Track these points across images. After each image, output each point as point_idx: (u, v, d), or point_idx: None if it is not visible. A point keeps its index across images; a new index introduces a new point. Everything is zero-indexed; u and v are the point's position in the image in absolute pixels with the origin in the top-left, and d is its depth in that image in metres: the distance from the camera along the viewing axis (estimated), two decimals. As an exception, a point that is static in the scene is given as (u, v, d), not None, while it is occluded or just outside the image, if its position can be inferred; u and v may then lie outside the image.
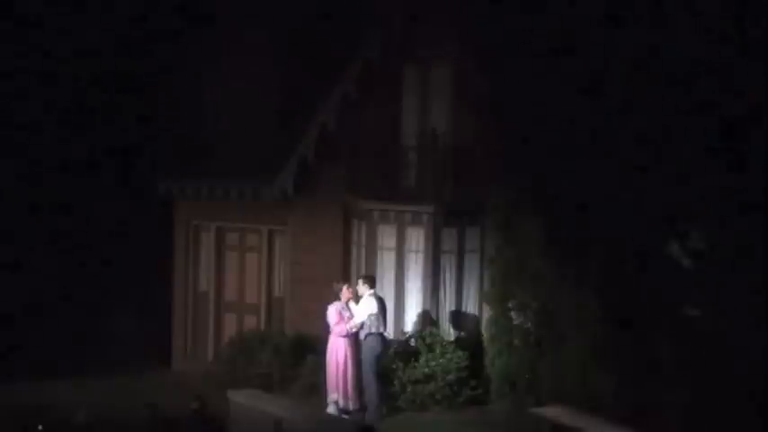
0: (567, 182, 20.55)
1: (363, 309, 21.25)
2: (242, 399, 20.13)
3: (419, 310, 22.70)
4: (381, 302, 21.50)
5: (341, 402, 21.20)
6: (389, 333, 22.48)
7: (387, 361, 21.69)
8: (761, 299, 19.25)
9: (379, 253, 22.90)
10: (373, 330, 21.19)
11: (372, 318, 21.19)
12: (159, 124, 25.81)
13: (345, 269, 23.42)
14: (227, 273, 24.93)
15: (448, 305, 22.87)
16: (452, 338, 22.48)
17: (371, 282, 21.62)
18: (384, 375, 21.48)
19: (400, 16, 22.81)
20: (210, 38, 24.65)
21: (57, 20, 25.55)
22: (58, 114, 25.72)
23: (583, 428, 18.69)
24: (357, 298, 21.58)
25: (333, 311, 21.23)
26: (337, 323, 21.16)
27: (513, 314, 21.67)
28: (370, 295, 21.35)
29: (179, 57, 25.81)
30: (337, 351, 21.18)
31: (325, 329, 21.50)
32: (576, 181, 20.44)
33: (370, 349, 21.14)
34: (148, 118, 26.33)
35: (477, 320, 22.95)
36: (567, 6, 21.06)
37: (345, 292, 21.43)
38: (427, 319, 22.61)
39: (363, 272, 22.54)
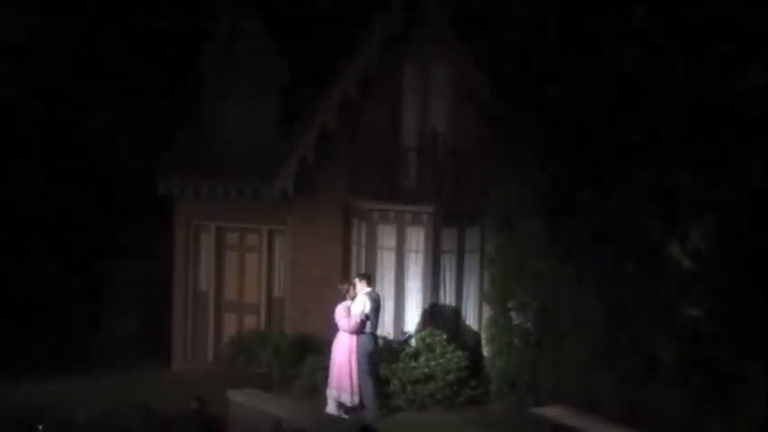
0: (567, 181, 20.55)
1: (358, 305, 21.29)
2: (242, 399, 20.15)
3: (419, 310, 22.71)
4: (376, 302, 21.51)
5: (345, 398, 21.23)
6: (389, 333, 22.52)
7: (388, 360, 21.74)
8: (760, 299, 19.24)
9: (379, 253, 22.91)
10: (365, 330, 21.26)
11: (367, 316, 21.23)
12: (160, 124, 25.81)
13: (345, 269, 23.42)
14: (227, 273, 24.93)
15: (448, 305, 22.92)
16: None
17: (367, 279, 21.67)
18: (379, 374, 21.50)
19: (400, 16, 22.81)
20: (211, 38, 24.65)
21: (59, 21, 25.56)
22: (59, 113, 25.73)
23: (583, 428, 18.71)
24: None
25: (341, 308, 21.31)
26: (345, 318, 21.24)
27: (513, 314, 21.68)
28: (365, 294, 21.38)
29: (179, 57, 25.87)
30: (343, 347, 21.23)
31: (331, 329, 21.55)
32: (576, 180, 20.43)
33: (361, 348, 21.19)
34: (149, 118, 26.34)
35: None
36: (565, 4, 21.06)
37: (352, 291, 21.50)
38: (427, 319, 22.62)
39: (364, 272, 22.55)
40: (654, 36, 19.81)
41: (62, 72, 25.72)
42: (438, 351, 21.93)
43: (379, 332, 21.89)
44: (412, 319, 22.79)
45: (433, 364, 21.80)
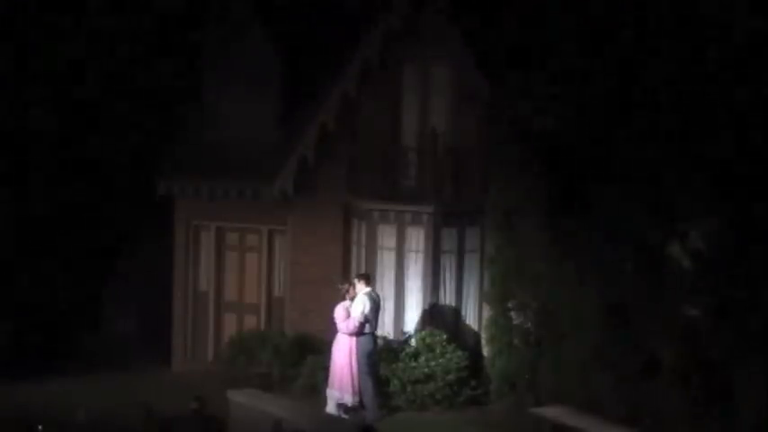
0: (567, 182, 20.55)
1: (357, 306, 21.31)
2: (242, 399, 20.16)
3: (419, 310, 22.71)
4: (376, 302, 21.52)
5: (347, 398, 21.23)
6: (389, 333, 22.52)
7: (388, 360, 21.75)
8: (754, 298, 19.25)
9: (379, 253, 22.91)
10: (365, 330, 21.28)
11: (366, 318, 21.24)
12: (160, 124, 25.80)
13: (345, 269, 23.42)
14: (227, 273, 24.92)
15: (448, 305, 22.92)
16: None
17: (367, 279, 21.69)
18: (379, 374, 21.50)
19: (400, 16, 22.81)
20: (211, 38, 24.65)
21: (60, 23, 25.57)
22: (60, 114, 25.73)
23: (583, 428, 18.71)
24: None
25: (340, 309, 21.31)
26: (344, 320, 21.24)
27: (513, 314, 21.69)
28: (365, 293, 21.40)
29: (180, 58, 25.87)
30: (343, 347, 21.23)
31: (331, 329, 21.55)
32: (576, 181, 20.43)
33: (361, 349, 21.20)
34: (149, 118, 26.34)
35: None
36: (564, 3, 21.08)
37: (352, 291, 21.51)
38: (427, 319, 22.61)
39: (363, 272, 22.55)
40: (655, 36, 19.81)
41: (62, 72, 25.71)
42: (438, 351, 21.93)
43: (379, 332, 21.91)
44: (412, 319, 22.78)
45: (433, 364, 21.80)
